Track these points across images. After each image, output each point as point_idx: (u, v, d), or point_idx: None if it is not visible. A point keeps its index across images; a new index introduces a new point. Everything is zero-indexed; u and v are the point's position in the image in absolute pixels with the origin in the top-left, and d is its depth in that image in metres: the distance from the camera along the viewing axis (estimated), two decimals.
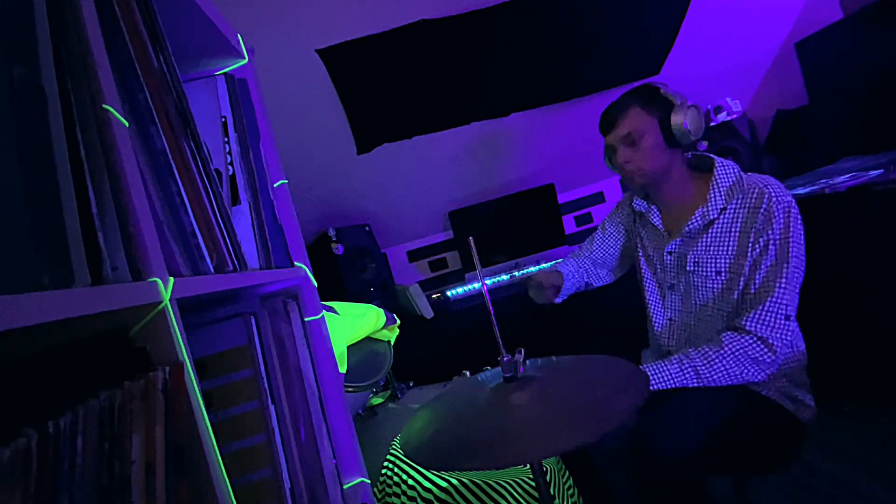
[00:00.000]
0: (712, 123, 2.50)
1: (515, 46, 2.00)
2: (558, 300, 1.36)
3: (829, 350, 1.65)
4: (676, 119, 1.10)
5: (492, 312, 0.86)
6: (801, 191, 1.75)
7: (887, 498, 1.32)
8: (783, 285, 1.03)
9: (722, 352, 1.05)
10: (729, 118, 2.45)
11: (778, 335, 1.03)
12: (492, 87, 2.15)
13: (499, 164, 2.54)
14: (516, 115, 2.29)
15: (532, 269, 2.47)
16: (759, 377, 1.05)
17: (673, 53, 2.26)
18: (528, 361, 0.92)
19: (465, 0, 1.78)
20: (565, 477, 1.11)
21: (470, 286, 2.42)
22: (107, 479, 0.31)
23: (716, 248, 1.13)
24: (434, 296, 2.37)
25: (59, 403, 0.30)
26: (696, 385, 1.07)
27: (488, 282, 2.46)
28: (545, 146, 2.51)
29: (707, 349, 1.08)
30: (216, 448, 0.43)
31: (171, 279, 0.42)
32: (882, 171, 1.58)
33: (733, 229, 1.11)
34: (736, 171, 1.14)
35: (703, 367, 1.06)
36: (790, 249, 1.03)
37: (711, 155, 1.18)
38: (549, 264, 2.44)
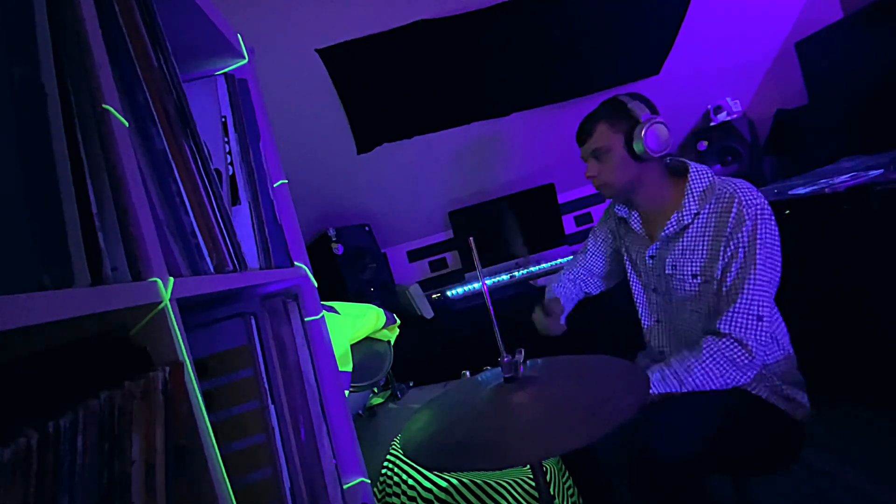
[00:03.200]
0: (712, 123, 2.50)
1: (515, 46, 2.00)
2: (563, 321, 1.37)
3: (828, 350, 1.65)
4: (638, 136, 1.12)
5: (492, 312, 0.86)
6: (801, 191, 1.75)
7: (887, 497, 1.32)
8: (751, 286, 1.04)
9: (701, 357, 1.07)
10: (729, 118, 2.45)
11: (752, 336, 1.03)
12: (492, 87, 2.15)
13: (499, 164, 2.54)
14: (516, 114, 2.29)
15: (533, 268, 2.48)
16: (741, 380, 1.06)
17: (673, 53, 2.26)
18: (528, 362, 0.92)
19: (465, 0, 1.78)
20: (565, 477, 1.11)
21: (470, 286, 2.42)
22: (107, 479, 0.31)
23: (691, 252, 1.15)
24: (434, 296, 2.37)
25: (59, 403, 0.30)
26: (681, 391, 1.08)
27: (488, 282, 2.47)
28: (545, 146, 2.51)
29: (687, 355, 1.09)
30: (216, 448, 0.43)
31: (171, 279, 0.42)
32: (882, 171, 1.58)
33: (706, 233, 1.13)
34: (709, 175, 1.16)
35: (685, 374, 1.07)
36: (758, 251, 1.04)
37: (687, 161, 1.20)
38: (548, 265, 2.45)
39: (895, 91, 1.79)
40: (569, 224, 2.80)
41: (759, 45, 2.38)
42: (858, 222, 1.57)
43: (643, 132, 1.11)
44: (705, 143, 2.42)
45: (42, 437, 0.27)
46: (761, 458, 1.10)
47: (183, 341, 0.41)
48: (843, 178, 1.68)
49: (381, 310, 1.43)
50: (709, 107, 2.54)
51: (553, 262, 2.47)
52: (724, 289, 1.08)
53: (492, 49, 1.98)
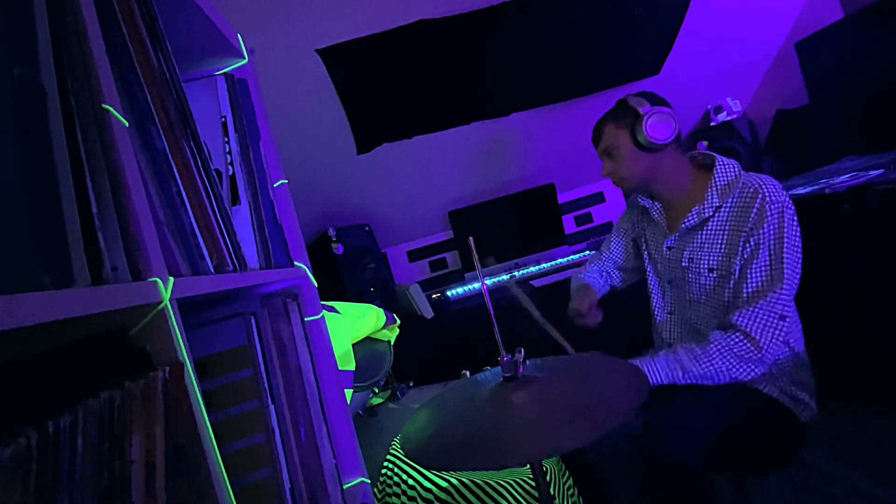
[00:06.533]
0: (712, 123, 2.50)
1: (515, 46, 2.00)
2: (595, 325, 1.35)
3: (828, 350, 1.65)
4: (639, 128, 1.15)
5: (492, 312, 0.86)
6: (801, 191, 1.75)
7: (887, 497, 1.32)
8: (779, 286, 1.03)
9: (708, 350, 1.07)
10: (729, 118, 2.45)
11: (769, 334, 1.03)
12: (492, 87, 2.15)
13: (499, 164, 2.54)
14: (516, 115, 2.29)
15: (533, 269, 2.47)
16: (747, 375, 1.06)
17: (673, 53, 2.26)
18: (528, 361, 0.92)
19: (465, 0, 1.78)
20: (565, 477, 1.11)
21: (470, 286, 2.42)
22: (107, 479, 0.31)
23: (709, 246, 1.15)
24: (434, 296, 2.37)
25: (59, 403, 0.30)
26: (683, 380, 1.08)
27: (488, 282, 2.47)
28: (545, 146, 2.51)
29: (695, 346, 1.09)
30: (216, 448, 0.43)
31: (171, 279, 0.42)
32: (882, 171, 1.58)
33: (727, 228, 1.13)
34: (735, 169, 1.16)
35: (689, 363, 1.07)
36: (786, 250, 1.04)
37: (714, 154, 1.20)
38: (549, 264, 2.45)
39: (895, 91, 1.79)
40: (569, 224, 2.80)
41: (759, 46, 2.38)
42: (858, 222, 1.57)
43: (644, 123, 1.14)
44: (705, 144, 2.42)
45: (42, 437, 0.27)
46: (764, 457, 1.10)
47: (183, 341, 0.41)
48: (843, 178, 1.68)
49: (381, 310, 1.43)
50: (709, 107, 2.54)
51: (553, 262, 2.46)
52: (744, 286, 1.07)
53: (492, 49, 1.98)
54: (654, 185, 1.23)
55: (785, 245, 1.04)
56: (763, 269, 1.05)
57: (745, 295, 1.07)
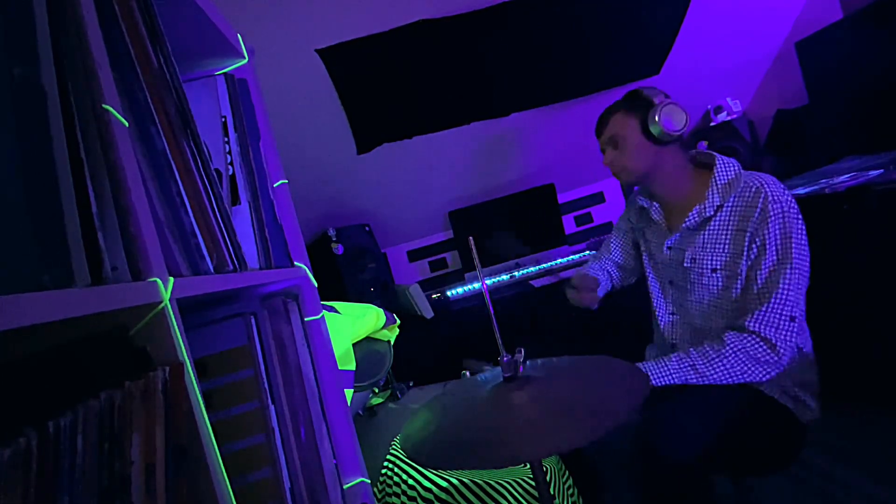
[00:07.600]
0: (712, 123, 2.50)
1: (515, 46, 2.00)
2: (595, 306, 1.36)
3: (829, 350, 1.65)
4: (653, 118, 1.14)
5: (492, 312, 0.86)
6: (801, 191, 1.75)
7: (887, 497, 1.32)
8: (787, 286, 1.03)
9: (724, 351, 1.06)
10: (729, 118, 2.45)
11: (782, 336, 1.03)
12: (492, 87, 2.14)
13: (499, 164, 2.54)
14: (516, 115, 2.29)
15: (532, 269, 2.47)
16: (761, 377, 1.05)
17: (673, 53, 2.26)
18: (527, 362, 0.92)
19: (465, 0, 1.78)
20: (565, 477, 1.11)
21: (470, 286, 2.42)
22: (107, 479, 0.31)
23: (712, 246, 1.14)
24: (434, 296, 2.37)
25: (59, 403, 0.30)
26: (696, 382, 1.07)
27: (488, 282, 2.46)
28: (545, 146, 2.51)
29: (708, 348, 1.08)
30: (216, 448, 0.43)
31: (171, 279, 0.42)
32: (882, 171, 1.58)
33: (729, 227, 1.12)
34: (735, 168, 1.15)
35: (703, 366, 1.07)
36: (793, 249, 1.03)
37: (714, 153, 1.20)
38: (548, 265, 2.45)
39: (895, 91, 1.79)
40: (569, 224, 2.80)
41: (759, 45, 2.37)
42: (858, 222, 1.57)
43: (658, 113, 1.13)
44: (705, 144, 2.42)
45: (42, 437, 0.27)
46: (764, 457, 1.10)
47: (183, 341, 0.41)
48: (843, 178, 1.68)
49: (381, 310, 1.43)
50: (709, 107, 2.54)
51: (553, 262, 2.46)
52: (754, 287, 1.07)
53: (492, 49, 1.97)
54: (653, 182, 1.22)
55: (792, 244, 1.03)
56: (771, 270, 1.05)
57: (755, 297, 1.06)
